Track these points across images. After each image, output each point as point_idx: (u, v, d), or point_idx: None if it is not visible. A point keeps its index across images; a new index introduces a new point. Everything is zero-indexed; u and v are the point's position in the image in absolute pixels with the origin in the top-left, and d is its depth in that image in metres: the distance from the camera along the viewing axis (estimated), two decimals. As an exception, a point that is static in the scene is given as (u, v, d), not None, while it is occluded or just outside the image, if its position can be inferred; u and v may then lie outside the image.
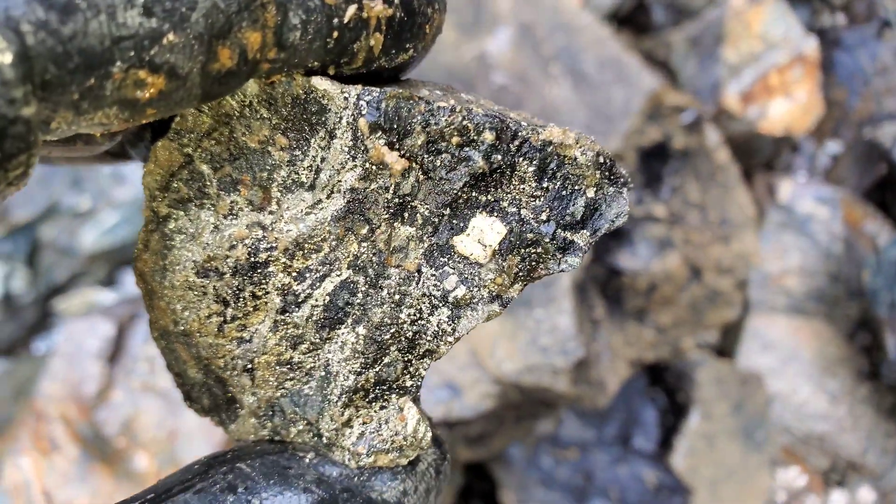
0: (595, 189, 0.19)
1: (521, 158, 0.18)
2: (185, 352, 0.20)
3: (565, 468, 0.87)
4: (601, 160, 0.18)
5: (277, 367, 0.20)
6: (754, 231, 0.89)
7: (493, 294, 0.19)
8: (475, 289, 0.19)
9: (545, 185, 0.18)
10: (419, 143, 0.18)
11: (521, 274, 0.19)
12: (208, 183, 0.19)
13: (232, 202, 0.19)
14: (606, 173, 0.19)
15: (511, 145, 0.18)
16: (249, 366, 0.20)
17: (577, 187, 0.18)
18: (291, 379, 0.20)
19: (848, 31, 1.16)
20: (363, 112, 0.17)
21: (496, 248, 0.19)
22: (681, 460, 0.83)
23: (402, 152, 0.18)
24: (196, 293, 0.19)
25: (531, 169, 0.18)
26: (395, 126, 0.18)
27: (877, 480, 1.02)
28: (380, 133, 0.18)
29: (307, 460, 0.19)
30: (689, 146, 0.81)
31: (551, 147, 0.18)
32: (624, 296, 0.78)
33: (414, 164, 0.18)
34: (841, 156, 1.15)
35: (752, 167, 1.11)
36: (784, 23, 1.11)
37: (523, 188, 0.18)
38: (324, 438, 0.20)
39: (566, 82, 0.77)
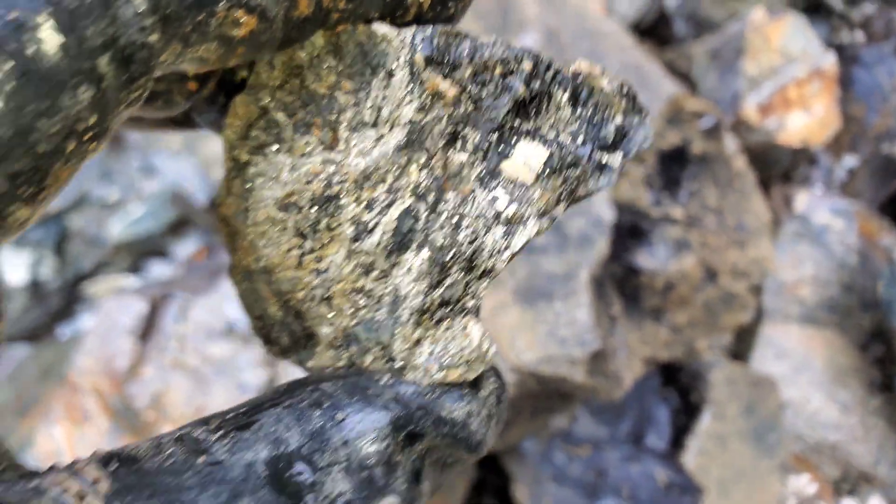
0: (622, 116, 0.20)
1: (556, 87, 0.20)
2: (266, 289, 0.22)
3: (578, 464, 0.89)
4: (625, 90, 0.20)
5: (352, 295, 0.21)
6: (769, 237, 0.90)
7: (542, 211, 0.21)
8: (525, 207, 0.21)
9: (579, 111, 0.20)
10: (467, 74, 0.20)
11: (563, 194, 0.21)
12: (284, 129, 0.21)
13: (306, 143, 0.21)
14: (630, 102, 0.20)
15: (546, 74, 0.20)
16: (327, 294, 0.21)
17: (606, 114, 0.20)
18: (365, 307, 0.21)
19: (866, 48, 1.18)
20: (418, 48, 0.19)
21: (540, 171, 0.20)
22: (692, 460, 0.84)
23: (452, 82, 0.20)
24: (277, 228, 0.21)
25: (565, 97, 0.20)
26: (446, 59, 0.20)
27: (888, 491, 1.02)
28: (433, 66, 0.20)
29: (383, 381, 0.21)
30: (707, 152, 0.83)
31: (581, 77, 0.20)
32: (641, 294, 0.80)
33: (463, 94, 0.20)
34: (858, 170, 1.16)
35: (769, 178, 1.13)
36: (803, 38, 1.13)
37: (560, 115, 0.20)
38: (396, 362, 0.21)
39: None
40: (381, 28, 0.20)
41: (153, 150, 1.35)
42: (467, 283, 0.21)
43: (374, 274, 0.21)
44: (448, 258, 0.21)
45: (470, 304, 0.21)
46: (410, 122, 0.20)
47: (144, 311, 0.76)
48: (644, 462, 0.88)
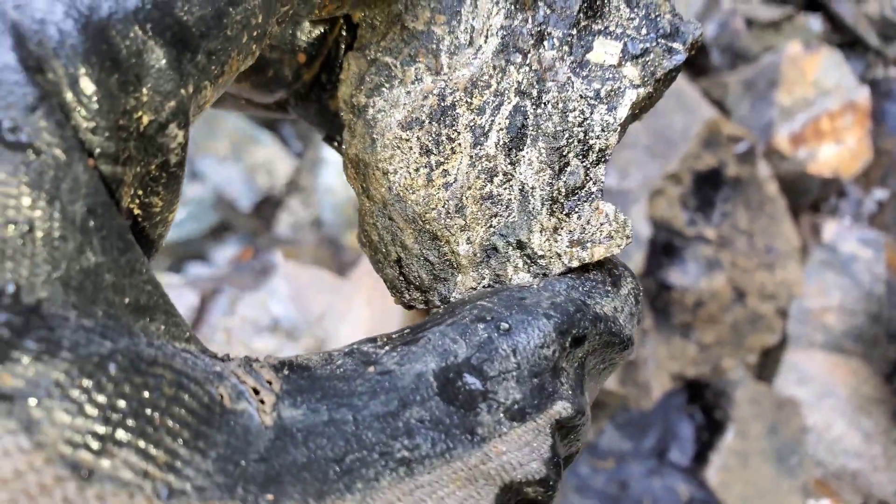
0: (670, 14, 0.23)
1: None
2: (401, 217, 0.24)
3: (602, 477, 0.91)
4: None
5: (482, 202, 0.23)
6: (798, 262, 0.92)
7: (634, 83, 0.23)
8: (619, 81, 0.23)
9: (635, 10, 0.23)
10: None
11: (645, 76, 0.23)
12: (393, 68, 0.23)
13: (415, 70, 0.23)
14: (671, 4, 0.23)
15: None
16: (459, 204, 0.23)
17: (657, 12, 0.23)
18: (496, 214, 0.23)
19: (900, 84, 1.21)
20: None
21: (620, 57, 0.23)
22: (714, 475, 0.86)
23: None
24: (403, 149, 0.23)
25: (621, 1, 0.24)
26: None
27: (908, 521, 1.03)
28: None
29: (535, 287, 0.21)
30: (741, 175, 0.86)
31: None
32: (671, 310, 0.82)
33: None
34: (887, 202, 1.18)
35: (799, 206, 1.15)
36: (838, 72, 1.16)
37: (620, 14, 0.23)
38: (539, 261, 0.22)
39: (630, 107, 0.83)
40: None
41: (200, 155, 1.40)
42: (587, 169, 0.23)
43: (498, 178, 0.23)
44: (563, 143, 0.23)
45: (594, 189, 0.22)
46: (501, 27, 0.23)
47: (195, 303, 0.80)
48: (667, 476, 0.89)
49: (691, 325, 0.82)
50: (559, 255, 0.22)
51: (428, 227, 0.23)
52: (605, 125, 0.22)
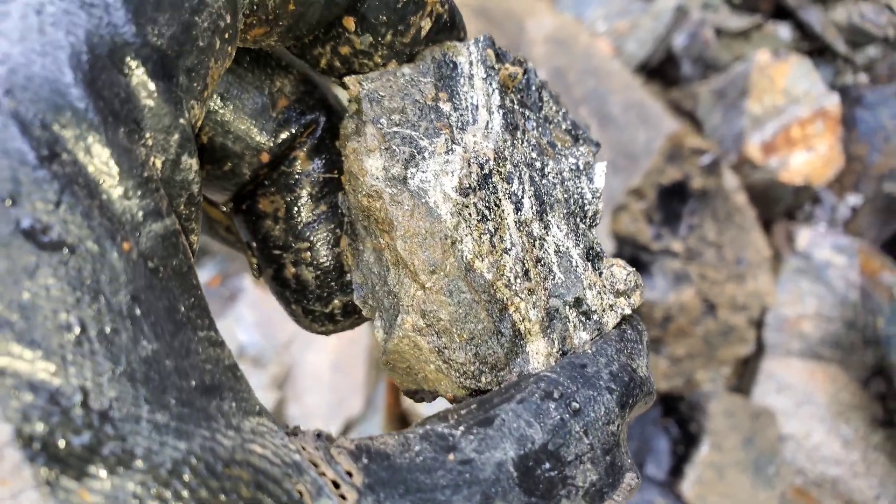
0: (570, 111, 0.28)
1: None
2: (472, 289, 0.23)
3: (578, 491, 0.91)
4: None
5: (537, 266, 0.24)
6: (769, 272, 0.92)
7: (593, 155, 0.26)
8: (584, 156, 0.26)
9: (558, 105, 0.27)
10: (510, 63, 0.25)
11: (593, 150, 0.27)
12: (418, 140, 0.24)
13: (444, 141, 0.24)
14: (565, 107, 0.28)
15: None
16: (524, 268, 0.23)
17: (566, 109, 0.27)
18: (547, 277, 0.24)
19: (870, 89, 1.21)
20: (487, 46, 0.24)
21: (573, 139, 0.27)
22: (690, 489, 0.86)
23: (514, 67, 0.25)
24: (465, 216, 0.23)
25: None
26: (500, 51, 0.25)
27: (888, 528, 1.02)
28: (498, 56, 0.25)
29: (590, 353, 0.22)
30: (707, 187, 0.86)
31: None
32: (640, 324, 0.82)
33: (522, 75, 0.25)
34: (860, 208, 1.18)
35: (772, 215, 1.15)
36: (807, 79, 1.16)
37: (552, 107, 0.27)
38: (594, 316, 0.24)
39: (593, 122, 0.83)
40: (451, 43, 0.25)
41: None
42: (590, 230, 0.25)
43: (538, 242, 0.24)
44: (572, 208, 0.25)
45: (599, 249, 0.24)
46: (500, 105, 0.25)
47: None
48: (643, 490, 0.89)
49: (662, 339, 0.82)
50: (611, 307, 0.24)
51: (499, 295, 0.23)
52: (592, 192, 0.25)
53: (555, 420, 0.20)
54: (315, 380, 0.79)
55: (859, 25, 1.22)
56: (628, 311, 0.23)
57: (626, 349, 0.23)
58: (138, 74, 0.15)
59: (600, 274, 0.24)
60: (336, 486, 0.16)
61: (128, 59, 0.15)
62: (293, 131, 0.25)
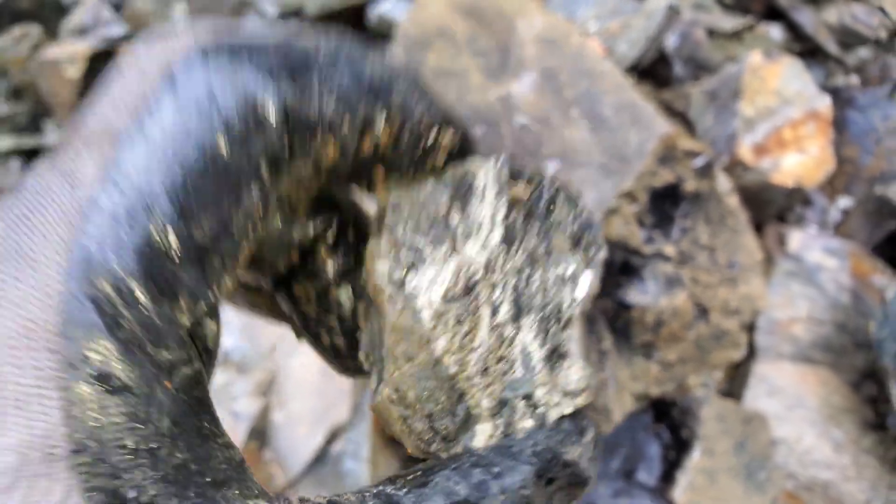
0: (580, 215, 0.32)
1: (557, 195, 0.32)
2: (437, 378, 0.28)
3: (568, 497, 0.90)
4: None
5: (498, 363, 0.28)
6: (761, 275, 0.92)
7: (588, 264, 0.31)
8: (574, 264, 0.30)
9: (569, 209, 0.33)
10: (525, 179, 0.30)
11: (587, 259, 0.32)
12: (423, 248, 0.29)
13: (444, 251, 0.28)
14: (580, 205, 0.32)
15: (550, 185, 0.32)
16: (484, 366, 0.28)
17: (574, 213, 0.32)
18: (506, 372, 0.28)
19: (861, 91, 1.21)
20: (503, 165, 0.29)
21: (569, 246, 0.31)
22: (681, 495, 0.85)
23: (524, 188, 0.30)
24: (443, 321, 0.28)
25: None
26: (515, 169, 0.30)
27: (880, 532, 1.02)
28: (512, 174, 0.30)
29: (521, 437, 0.28)
30: (700, 190, 0.85)
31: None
32: (631, 329, 0.81)
33: (526, 192, 0.30)
34: (852, 211, 1.18)
35: (764, 217, 1.14)
36: (799, 81, 1.16)
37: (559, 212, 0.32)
38: (540, 409, 0.28)
39: (585, 124, 0.82)
40: (473, 162, 0.30)
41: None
42: (561, 332, 0.29)
43: (506, 342, 0.28)
44: (547, 314, 0.29)
45: (566, 349, 0.29)
46: (504, 219, 0.29)
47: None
48: (635, 497, 0.88)
49: (653, 343, 0.81)
50: (557, 404, 0.28)
51: (459, 385, 0.28)
52: (572, 301, 0.29)
53: (478, 479, 0.26)
54: (301, 386, 0.77)
55: (851, 27, 1.21)
56: (569, 411, 0.28)
57: (556, 437, 0.28)
58: (180, 263, 0.20)
59: (557, 374, 0.28)
60: None
61: (172, 252, 0.20)
62: (313, 232, 0.31)
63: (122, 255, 0.18)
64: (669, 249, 0.86)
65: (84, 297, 0.18)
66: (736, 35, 1.23)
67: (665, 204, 0.89)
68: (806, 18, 1.21)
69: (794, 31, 1.25)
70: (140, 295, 0.19)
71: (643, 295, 0.86)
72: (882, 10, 1.21)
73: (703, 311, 0.88)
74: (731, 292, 0.90)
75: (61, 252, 0.18)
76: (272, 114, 0.21)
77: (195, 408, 0.21)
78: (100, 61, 1.64)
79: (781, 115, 1.13)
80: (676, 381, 0.87)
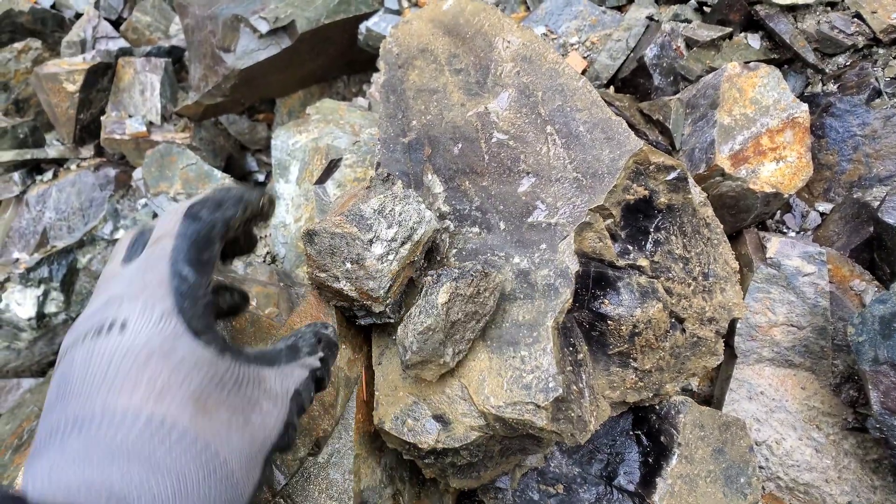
0: None
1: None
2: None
3: (552, 501, 0.92)
4: None
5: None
6: (737, 285, 0.94)
7: None
8: None
9: None
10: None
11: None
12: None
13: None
14: None
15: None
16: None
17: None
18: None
19: (839, 98, 1.23)
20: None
21: None
22: (661, 500, 0.87)
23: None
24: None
25: None
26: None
27: (859, 532, 1.04)
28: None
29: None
30: (673, 203, 0.87)
31: None
32: (608, 340, 0.83)
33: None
34: (830, 216, 1.20)
35: (742, 224, 1.16)
36: (777, 90, 1.18)
37: None
38: None
39: (559, 141, 0.84)
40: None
41: (158, 192, 1.41)
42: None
43: None
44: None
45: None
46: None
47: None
48: (615, 502, 0.90)
49: (629, 353, 0.83)
50: None
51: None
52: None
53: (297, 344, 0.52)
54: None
55: (828, 35, 1.23)
56: None
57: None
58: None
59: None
60: None
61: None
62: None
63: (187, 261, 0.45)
64: (643, 262, 0.88)
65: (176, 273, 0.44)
66: (714, 45, 1.26)
67: (639, 217, 0.91)
68: (784, 27, 1.23)
69: (773, 39, 1.27)
70: (190, 272, 0.44)
71: (618, 306, 0.88)
72: (859, 17, 1.23)
73: (678, 321, 0.90)
74: (707, 302, 0.92)
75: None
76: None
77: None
78: (98, 74, 1.66)
79: (759, 124, 1.15)
80: (653, 388, 0.89)
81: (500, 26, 0.97)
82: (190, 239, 0.44)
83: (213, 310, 0.48)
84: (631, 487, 0.90)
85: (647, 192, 0.82)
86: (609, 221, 0.81)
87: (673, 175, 0.84)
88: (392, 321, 0.70)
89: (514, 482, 0.92)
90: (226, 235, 0.46)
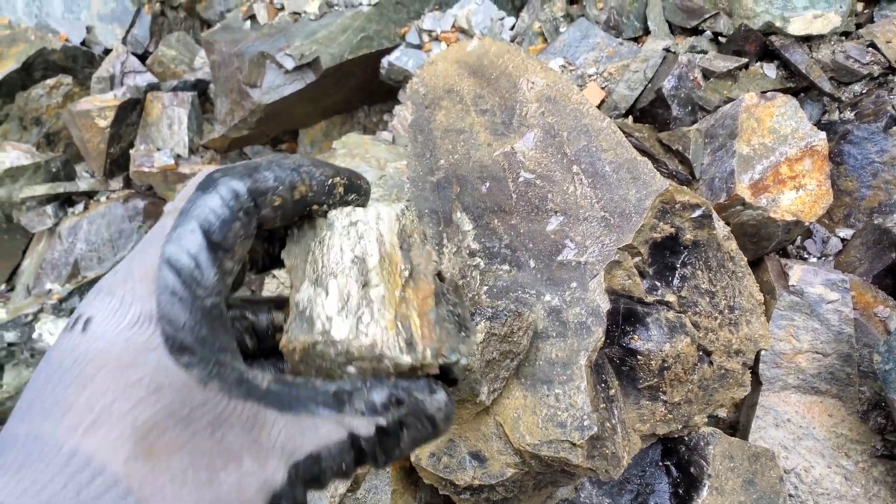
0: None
1: None
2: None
3: (584, 535, 0.93)
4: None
5: None
6: (762, 316, 0.95)
7: None
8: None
9: None
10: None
11: None
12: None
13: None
14: None
15: None
16: None
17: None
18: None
19: (857, 126, 1.24)
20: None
21: None
22: (693, 532, 0.88)
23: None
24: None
25: None
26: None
27: (890, 560, 1.04)
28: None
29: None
30: (698, 238, 0.89)
31: None
32: (637, 374, 0.85)
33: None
34: (851, 242, 1.21)
35: (764, 251, 1.18)
36: (794, 119, 1.20)
37: None
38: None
39: (586, 180, 0.87)
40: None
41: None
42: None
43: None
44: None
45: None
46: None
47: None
48: (647, 533, 0.91)
49: (658, 386, 0.85)
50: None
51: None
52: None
53: (346, 387, 0.35)
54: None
55: (844, 64, 1.25)
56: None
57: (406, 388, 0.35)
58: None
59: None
60: None
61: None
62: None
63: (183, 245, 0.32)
64: (671, 297, 0.90)
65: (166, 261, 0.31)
66: (731, 75, 1.28)
67: (665, 253, 0.93)
68: (799, 57, 1.25)
69: (788, 69, 1.29)
70: (191, 260, 0.31)
71: (648, 341, 0.90)
72: (874, 47, 1.25)
73: (706, 354, 0.92)
74: (734, 334, 0.93)
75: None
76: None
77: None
78: (128, 110, 1.71)
79: (778, 153, 1.17)
80: (682, 420, 0.91)
81: (525, 67, 1.00)
82: (198, 216, 0.32)
83: (232, 326, 0.37)
84: (662, 519, 0.91)
85: (673, 230, 0.84)
86: (637, 259, 0.83)
87: (698, 213, 0.86)
88: None
89: (546, 514, 0.93)
90: (259, 217, 0.34)
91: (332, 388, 0.32)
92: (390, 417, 0.32)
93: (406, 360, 0.33)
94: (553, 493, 0.94)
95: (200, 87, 1.90)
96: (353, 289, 0.35)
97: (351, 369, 0.33)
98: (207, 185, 0.33)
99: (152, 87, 1.86)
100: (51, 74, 1.93)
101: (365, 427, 0.32)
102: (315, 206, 0.37)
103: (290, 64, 1.49)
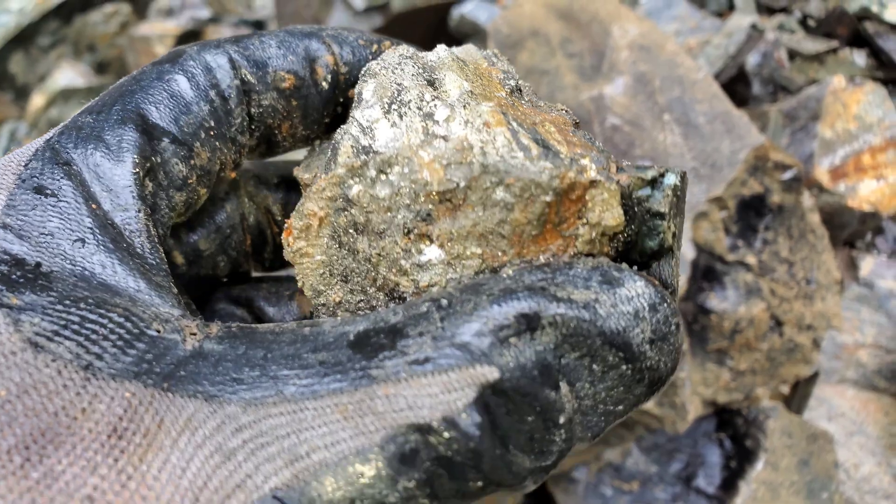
0: None
1: None
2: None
3: (625, 499, 0.90)
4: None
5: None
6: (837, 295, 0.92)
7: None
8: None
9: None
10: None
11: None
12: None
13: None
14: None
15: None
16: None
17: None
18: None
19: (943, 123, 1.20)
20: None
21: None
22: (743, 505, 0.85)
23: None
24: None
25: None
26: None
27: (936, 567, 1.00)
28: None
29: (501, 275, 0.24)
30: (785, 203, 0.85)
31: None
32: (708, 335, 0.82)
33: None
34: (925, 241, 1.17)
35: (835, 240, 1.14)
36: (882, 108, 1.15)
37: None
38: None
39: (677, 130, 0.83)
40: None
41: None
42: None
43: None
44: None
45: None
46: None
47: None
48: (692, 503, 0.89)
49: (727, 351, 0.82)
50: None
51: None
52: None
53: (420, 310, 0.19)
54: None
55: (937, 58, 1.21)
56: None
57: (551, 278, 0.20)
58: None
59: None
60: (193, 334, 0.20)
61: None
62: None
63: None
64: (751, 259, 0.87)
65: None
66: (818, 58, 1.24)
67: (750, 214, 0.90)
68: (893, 45, 1.21)
69: (878, 58, 1.24)
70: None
71: (723, 301, 0.87)
72: (970, 43, 1.20)
73: (778, 324, 0.88)
74: (807, 308, 0.90)
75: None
76: None
77: None
78: (186, 41, 1.70)
79: (861, 141, 1.13)
80: (745, 391, 0.88)
81: (617, 14, 0.96)
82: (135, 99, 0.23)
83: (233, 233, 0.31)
84: (710, 490, 0.88)
85: (762, 189, 0.81)
86: (724, 213, 0.80)
87: (789, 174, 0.82)
88: None
89: (590, 475, 0.91)
90: (258, 107, 0.24)
91: (362, 326, 0.20)
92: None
93: (547, 166, 0.19)
94: (600, 455, 0.92)
95: (260, 29, 1.89)
96: (415, 92, 0.22)
97: (419, 219, 0.21)
98: (170, 57, 0.24)
99: (213, 20, 1.85)
100: (109, 1, 1.93)
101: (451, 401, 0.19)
102: (353, 95, 0.24)
103: (361, 5, 1.47)
